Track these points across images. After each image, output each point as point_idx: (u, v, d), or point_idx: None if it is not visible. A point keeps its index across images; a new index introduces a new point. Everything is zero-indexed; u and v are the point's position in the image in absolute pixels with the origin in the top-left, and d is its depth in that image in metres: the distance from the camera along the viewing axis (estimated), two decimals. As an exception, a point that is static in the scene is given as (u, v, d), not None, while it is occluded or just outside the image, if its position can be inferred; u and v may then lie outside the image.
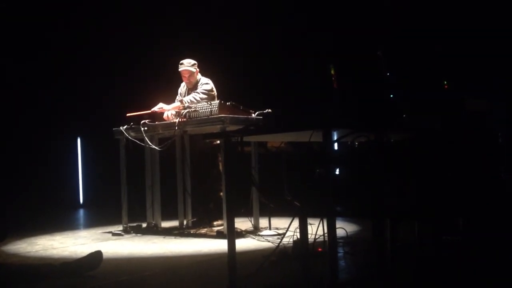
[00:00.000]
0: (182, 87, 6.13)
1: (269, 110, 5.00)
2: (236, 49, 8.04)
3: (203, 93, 5.75)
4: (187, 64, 5.87)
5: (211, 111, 5.20)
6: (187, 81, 5.95)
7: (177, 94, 6.17)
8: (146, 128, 5.59)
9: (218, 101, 5.23)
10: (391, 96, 3.93)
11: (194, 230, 5.61)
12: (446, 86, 4.31)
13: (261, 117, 5.10)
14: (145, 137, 5.58)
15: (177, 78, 6.19)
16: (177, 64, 6.00)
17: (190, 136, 5.77)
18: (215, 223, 5.72)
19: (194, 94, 5.75)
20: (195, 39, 7.72)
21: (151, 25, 8.69)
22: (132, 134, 5.71)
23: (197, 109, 5.34)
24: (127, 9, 8.64)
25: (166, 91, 7.30)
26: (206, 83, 5.90)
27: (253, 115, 5.28)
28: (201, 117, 5.27)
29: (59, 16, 8.73)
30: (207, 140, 5.64)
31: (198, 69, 5.95)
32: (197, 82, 5.95)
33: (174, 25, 8.52)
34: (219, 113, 5.12)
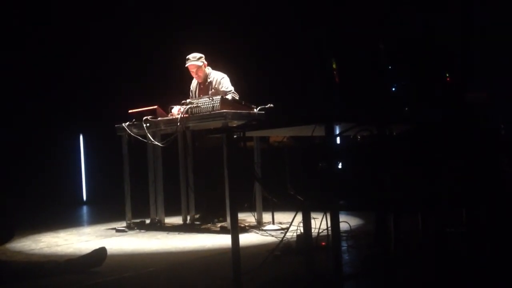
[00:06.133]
0: (193, 83, 6.11)
1: (271, 105, 5.01)
2: (237, 44, 8.03)
3: (232, 92, 5.75)
4: (193, 59, 5.84)
5: (213, 106, 5.20)
6: (196, 76, 5.92)
7: (178, 90, 6.17)
8: (148, 125, 5.59)
9: (219, 97, 5.22)
10: (393, 88, 3.93)
11: (198, 225, 5.61)
12: (448, 79, 4.31)
13: (263, 112, 5.09)
14: (148, 134, 5.58)
15: (180, 75, 6.20)
16: (179, 59, 6.00)
17: (198, 132, 5.76)
18: (215, 220, 5.73)
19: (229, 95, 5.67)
20: (196, 35, 7.70)
21: (153, 22, 8.68)
22: (135, 130, 5.71)
23: (199, 104, 5.34)
24: (128, 7, 8.63)
25: (168, 87, 7.31)
26: (222, 78, 5.87)
27: (255, 110, 5.27)
28: (203, 112, 5.27)
29: (63, 13, 8.73)
30: (211, 136, 5.64)
31: (205, 62, 5.92)
32: (207, 75, 5.92)
33: (175, 22, 8.51)
34: (221, 108, 5.11)
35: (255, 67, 7.98)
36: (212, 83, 5.91)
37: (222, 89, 5.79)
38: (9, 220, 3.73)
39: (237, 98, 5.62)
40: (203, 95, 5.69)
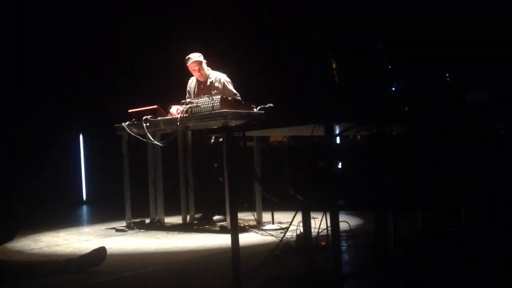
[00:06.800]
0: (191, 82, 6.09)
1: (271, 105, 5.00)
2: (237, 43, 8.03)
3: (237, 96, 5.71)
4: (194, 57, 5.83)
5: (212, 106, 5.19)
6: (198, 74, 5.89)
7: (178, 90, 6.16)
8: (148, 124, 5.59)
9: (219, 96, 5.22)
10: (392, 88, 3.93)
11: (198, 225, 5.61)
12: (448, 78, 4.31)
13: (262, 111, 5.09)
14: (147, 133, 5.58)
15: (180, 75, 6.19)
16: (179, 59, 5.99)
17: (198, 132, 5.75)
18: (214, 218, 5.73)
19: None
20: (196, 35, 7.71)
21: (153, 22, 8.68)
22: (134, 130, 5.71)
23: (199, 104, 5.33)
24: (128, 7, 8.62)
25: (168, 87, 7.31)
26: (227, 80, 5.86)
27: (254, 109, 5.27)
28: (203, 112, 5.26)
29: (63, 13, 8.73)
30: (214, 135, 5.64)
31: (205, 60, 5.91)
32: (207, 75, 5.90)
33: (175, 22, 8.51)
34: (221, 108, 5.11)
35: (255, 67, 7.98)
36: (213, 83, 5.89)
37: (229, 89, 5.77)
38: (13, 220, 3.73)
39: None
40: (204, 95, 5.65)
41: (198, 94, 5.91)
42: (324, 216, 3.00)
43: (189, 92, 6.11)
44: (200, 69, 5.86)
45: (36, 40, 8.69)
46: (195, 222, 5.69)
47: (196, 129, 5.64)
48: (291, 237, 4.14)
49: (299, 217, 3.39)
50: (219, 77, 5.90)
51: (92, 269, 3.68)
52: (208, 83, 5.92)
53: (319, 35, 7.50)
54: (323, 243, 3.77)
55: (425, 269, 3.21)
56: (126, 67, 8.75)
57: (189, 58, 5.86)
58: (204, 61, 5.89)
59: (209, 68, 5.98)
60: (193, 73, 5.94)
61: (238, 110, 5.14)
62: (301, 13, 7.90)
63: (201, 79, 5.95)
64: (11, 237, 3.88)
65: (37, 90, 8.79)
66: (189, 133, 5.69)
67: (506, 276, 3.01)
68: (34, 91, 8.76)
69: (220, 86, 5.85)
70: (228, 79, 5.92)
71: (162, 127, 5.61)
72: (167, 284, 3.45)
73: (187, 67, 5.92)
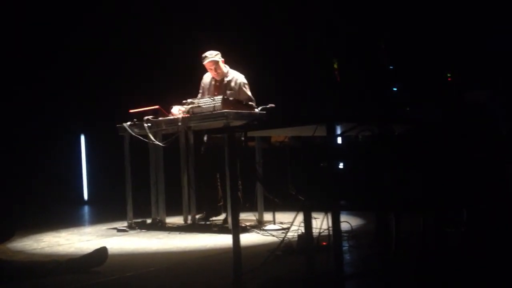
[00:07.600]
0: (206, 78, 5.96)
1: (273, 105, 5.01)
2: (237, 44, 8.03)
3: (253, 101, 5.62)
4: (210, 56, 5.70)
5: (214, 106, 5.18)
6: (215, 73, 5.75)
7: (179, 90, 6.14)
8: (149, 124, 5.58)
9: (221, 97, 5.20)
10: (394, 88, 3.93)
11: (203, 224, 5.61)
12: (449, 79, 4.32)
13: (264, 112, 5.09)
14: (149, 133, 5.58)
15: (181, 75, 6.18)
16: (180, 59, 5.98)
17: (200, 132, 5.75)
18: (213, 218, 5.74)
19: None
20: (196, 36, 7.71)
21: (154, 22, 8.69)
22: (136, 130, 5.71)
23: (200, 104, 5.32)
24: (130, 7, 8.63)
25: (169, 87, 7.31)
26: (245, 83, 5.75)
27: (256, 110, 5.26)
28: (204, 112, 5.26)
29: (63, 13, 8.74)
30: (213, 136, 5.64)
31: (223, 59, 5.78)
32: (224, 74, 5.78)
33: (176, 22, 8.51)
34: (222, 108, 5.10)
35: (256, 67, 7.98)
36: (230, 82, 5.76)
37: (244, 92, 5.69)
38: (10, 219, 3.74)
39: (254, 105, 5.49)
40: (218, 93, 5.57)
41: (212, 92, 5.80)
42: (326, 216, 3.00)
43: (203, 88, 5.98)
44: (217, 68, 5.72)
45: (36, 40, 8.70)
46: (200, 222, 5.70)
47: (197, 129, 5.64)
48: (292, 238, 4.14)
49: (300, 217, 3.39)
50: (236, 78, 5.77)
51: (93, 269, 3.69)
52: (225, 82, 5.78)
53: (319, 35, 7.50)
54: (324, 244, 3.77)
55: (426, 269, 3.21)
56: (127, 67, 8.75)
57: (205, 56, 5.72)
58: (221, 60, 5.76)
59: (227, 66, 5.83)
60: (209, 71, 5.81)
61: (239, 111, 5.13)
62: (301, 13, 7.90)
63: (217, 78, 5.82)
64: (9, 236, 3.88)
65: (38, 90, 8.79)
66: (191, 133, 5.69)
67: (506, 276, 3.01)
68: (35, 91, 8.76)
69: (236, 87, 5.72)
70: (245, 82, 5.77)
71: (164, 128, 5.60)
72: (168, 284, 3.46)
73: (203, 65, 5.79)
